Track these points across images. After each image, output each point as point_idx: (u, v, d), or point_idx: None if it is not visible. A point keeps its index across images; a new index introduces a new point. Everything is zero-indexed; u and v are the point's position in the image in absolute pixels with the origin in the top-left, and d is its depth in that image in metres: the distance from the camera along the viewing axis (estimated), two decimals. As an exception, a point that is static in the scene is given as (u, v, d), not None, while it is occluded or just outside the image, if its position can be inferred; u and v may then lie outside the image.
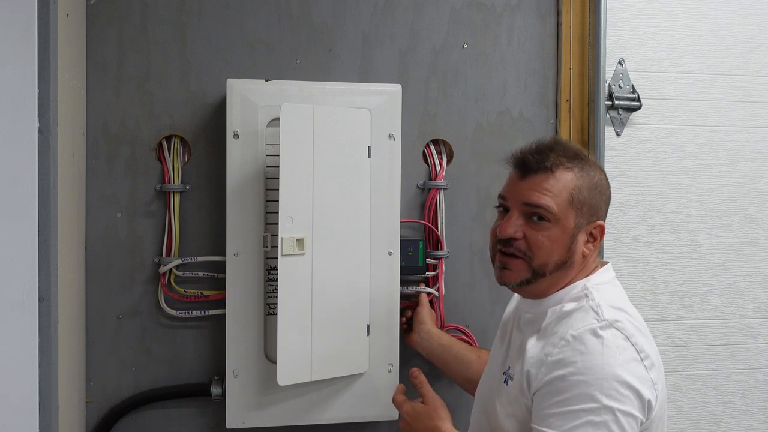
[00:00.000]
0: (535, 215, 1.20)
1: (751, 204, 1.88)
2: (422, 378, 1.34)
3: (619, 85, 1.81)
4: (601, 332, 1.11)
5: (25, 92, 1.08)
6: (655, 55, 1.83)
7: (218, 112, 1.63)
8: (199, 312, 1.62)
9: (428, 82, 1.72)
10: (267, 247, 1.57)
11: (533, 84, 1.77)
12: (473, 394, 1.45)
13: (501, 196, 1.26)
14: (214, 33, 1.64)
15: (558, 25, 1.78)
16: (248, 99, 1.56)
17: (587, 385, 1.07)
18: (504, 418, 1.21)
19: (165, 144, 1.62)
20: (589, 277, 1.23)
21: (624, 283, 1.81)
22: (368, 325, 1.59)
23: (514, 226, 1.21)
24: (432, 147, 1.72)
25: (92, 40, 1.59)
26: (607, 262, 1.28)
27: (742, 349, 1.88)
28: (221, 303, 1.60)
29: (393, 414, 1.62)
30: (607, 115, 1.79)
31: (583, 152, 1.25)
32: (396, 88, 1.63)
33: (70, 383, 1.46)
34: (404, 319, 1.65)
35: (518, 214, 1.21)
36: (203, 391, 1.61)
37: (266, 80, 1.58)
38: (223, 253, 1.58)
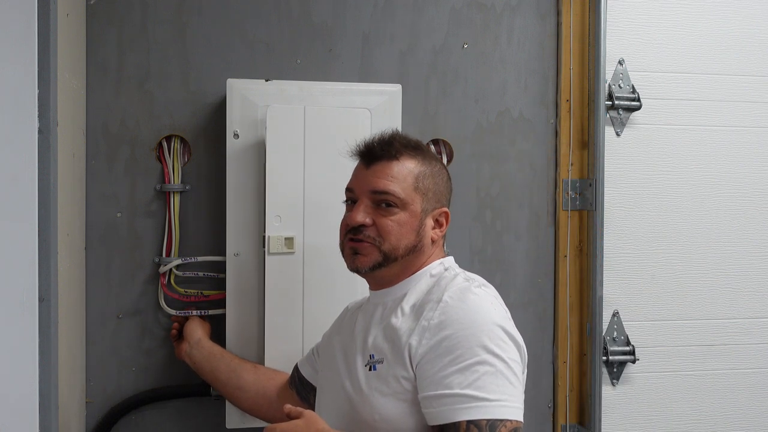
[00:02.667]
0: (383, 202, 1.22)
1: (751, 204, 1.88)
2: (293, 407, 1.20)
3: (619, 85, 1.81)
4: (474, 290, 1.16)
5: (25, 92, 1.08)
6: (655, 55, 1.83)
7: (218, 112, 1.63)
8: (199, 312, 1.61)
9: (428, 82, 1.72)
10: (266, 246, 1.57)
11: (533, 84, 1.77)
12: (244, 406, 1.48)
13: (348, 189, 1.28)
14: (214, 33, 1.64)
15: (558, 25, 1.78)
16: (248, 99, 1.56)
17: (475, 337, 1.09)
18: (379, 402, 1.15)
19: (165, 144, 1.62)
20: (442, 260, 1.27)
21: (624, 283, 1.83)
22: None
23: (363, 214, 1.22)
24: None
25: (92, 40, 1.59)
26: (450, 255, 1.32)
27: (742, 349, 1.88)
28: (221, 303, 1.60)
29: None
30: (607, 115, 1.79)
31: (422, 144, 1.29)
32: (396, 88, 1.63)
33: (70, 383, 1.45)
34: (176, 325, 1.59)
35: (367, 202, 1.23)
36: (203, 391, 1.61)
37: (266, 80, 1.58)
38: (223, 253, 1.58)
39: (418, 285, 1.23)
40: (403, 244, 1.22)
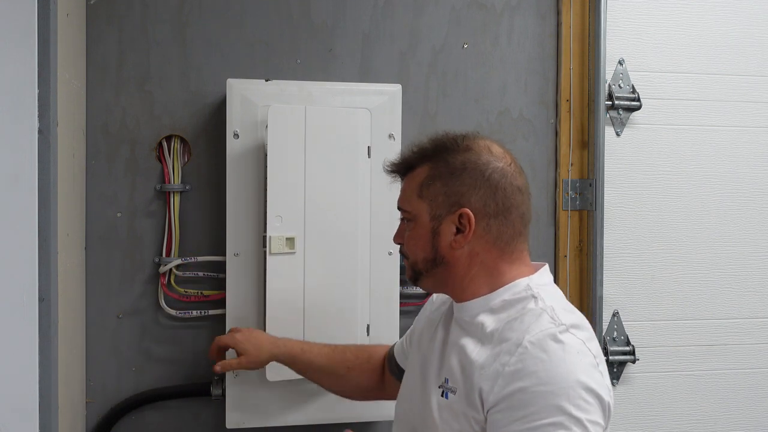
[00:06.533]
0: (404, 218, 1.18)
1: (751, 204, 1.88)
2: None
3: (619, 85, 1.81)
4: (560, 337, 1.01)
5: (25, 92, 1.08)
6: (655, 55, 1.83)
7: (218, 112, 1.63)
8: (199, 312, 1.62)
9: (428, 82, 1.72)
10: (267, 247, 1.57)
11: (533, 84, 1.77)
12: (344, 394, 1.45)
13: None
14: (214, 33, 1.64)
15: (558, 25, 1.78)
16: (248, 99, 1.56)
17: (553, 395, 0.97)
18: None
19: (165, 144, 1.62)
20: (531, 276, 1.12)
21: (624, 283, 1.83)
22: (368, 325, 1.59)
23: (397, 234, 1.20)
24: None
25: (92, 40, 1.59)
26: (544, 264, 1.17)
27: (742, 349, 1.88)
28: (221, 303, 1.60)
29: (392, 414, 1.62)
30: (607, 115, 1.79)
31: (455, 141, 1.15)
32: (396, 88, 1.63)
33: (70, 383, 1.45)
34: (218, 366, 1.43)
35: (402, 221, 1.20)
36: (203, 391, 1.61)
37: (266, 80, 1.59)
38: (223, 253, 1.58)
39: (495, 306, 1.10)
40: (421, 257, 1.14)
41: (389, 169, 1.21)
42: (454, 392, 1.08)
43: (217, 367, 1.41)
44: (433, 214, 1.12)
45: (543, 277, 1.14)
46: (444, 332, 1.18)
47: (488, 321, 1.09)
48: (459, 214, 1.10)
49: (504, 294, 1.10)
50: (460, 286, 1.14)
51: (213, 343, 1.44)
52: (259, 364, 1.42)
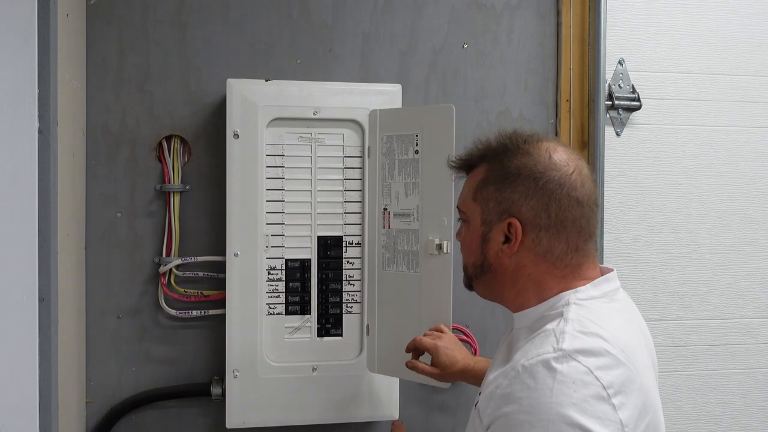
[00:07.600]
0: (461, 218, 1.13)
1: (751, 204, 1.88)
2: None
3: (619, 85, 1.81)
4: (554, 364, 0.91)
5: (25, 92, 1.08)
6: (655, 55, 1.83)
7: (218, 112, 1.63)
8: (199, 312, 1.62)
9: (428, 82, 1.72)
10: (267, 246, 1.57)
11: (533, 84, 1.77)
12: None
13: None
14: (214, 33, 1.64)
15: (558, 25, 1.78)
16: (248, 99, 1.56)
17: (531, 426, 0.89)
18: None
19: (165, 144, 1.62)
20: (579, 288, 1.03)
21: (624, 283, 1.82)
22: (367, 326, 1.59)
23: (458, 231, 1.15)
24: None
25: (92, 40, 1.59)
26: (610, 270, 1.09)
27: (742, 349, 1.88)
28: (221, 303, 1.60)
29: (393, 414, 1.62)
30: (607, 115, 1.79)
31: (516, 142, 1.08)
32: (396, 88, 1.63)
33: (70, 383, 1.46)
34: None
35: (460, 220, 1.15)
36: (203, 391, 1.61)
37: (266, 80, 1.59)
38: (223, 253, 1.58)
39: (533, 321, 1.04)
40: (471, 261, 1.09)
41: (453, 164, 1.16)
42: (476, 405, 1.05)
43: (409, 364, 1.37)
44: (484, 219, 1.06)
45: (595, 289, 1.04)
46: (500, 344, 1.16)
47: (522, 336, 1.03)
48: (508, 222, 1.03)
49: (545, 309, 1.04)
50: (509, 296, 1.08)
51: (412, 341, 1.38)
52: (446, 380, 1.37)
